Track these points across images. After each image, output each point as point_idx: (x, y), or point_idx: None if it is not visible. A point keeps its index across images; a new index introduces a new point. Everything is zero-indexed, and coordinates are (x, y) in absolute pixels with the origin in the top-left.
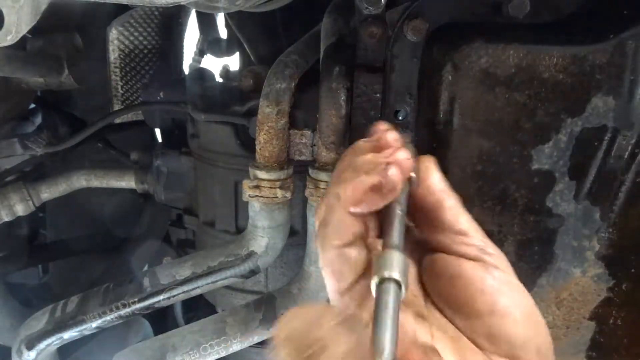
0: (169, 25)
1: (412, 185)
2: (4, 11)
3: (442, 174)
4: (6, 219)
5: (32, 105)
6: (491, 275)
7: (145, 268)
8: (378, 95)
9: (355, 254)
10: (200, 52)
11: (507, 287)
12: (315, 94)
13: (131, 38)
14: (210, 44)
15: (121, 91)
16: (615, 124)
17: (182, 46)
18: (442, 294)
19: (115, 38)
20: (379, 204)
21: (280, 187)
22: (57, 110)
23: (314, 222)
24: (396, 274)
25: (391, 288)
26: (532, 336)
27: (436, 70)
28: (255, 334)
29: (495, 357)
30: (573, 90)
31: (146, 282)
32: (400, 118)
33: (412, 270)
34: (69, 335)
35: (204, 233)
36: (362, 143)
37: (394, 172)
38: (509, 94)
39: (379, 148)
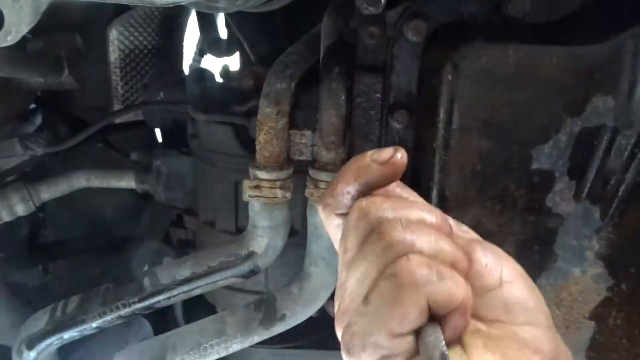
0: (169, 25)
1: None
2: (4, 11)
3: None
4: (6, 219)
5: (32, 105)
6: (488, 251)
7: (145, 268)
8: (378, 95)
9: None
10: (200, 52)
11: (505, 259)
12: (315, 94)
13: (131, 38)
14: (210, 44)
15: (121, 91)
16: (615, 124)
17: (182, 46)
18: None
19: (115, 38)
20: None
21: (280, 187)
22: (57, 110)
23: (313, 222)
24: None
25: None
26: (540, 300)
27: (436, 70)
28: (255, 334)
29: (516, 328)
30: (573, 90)
31: (146, 282)
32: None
33: None
34: (69, 335)
35: (204, 233)
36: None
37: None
38: (509, 94)
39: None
